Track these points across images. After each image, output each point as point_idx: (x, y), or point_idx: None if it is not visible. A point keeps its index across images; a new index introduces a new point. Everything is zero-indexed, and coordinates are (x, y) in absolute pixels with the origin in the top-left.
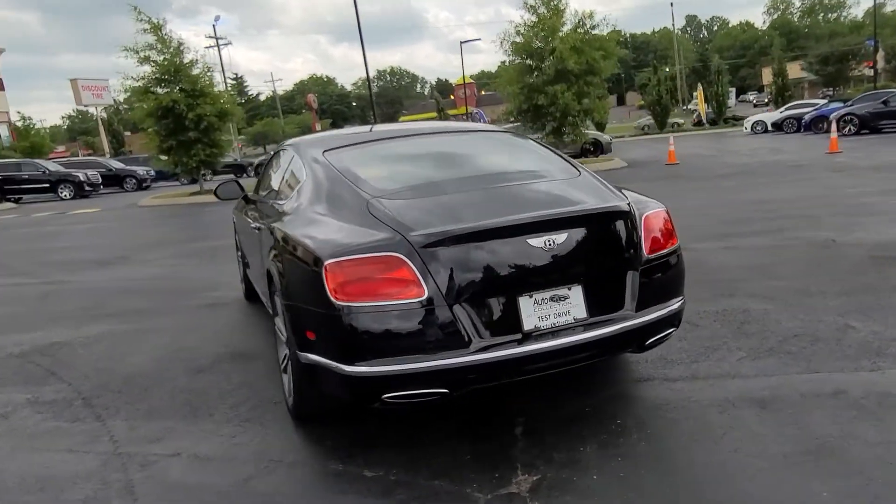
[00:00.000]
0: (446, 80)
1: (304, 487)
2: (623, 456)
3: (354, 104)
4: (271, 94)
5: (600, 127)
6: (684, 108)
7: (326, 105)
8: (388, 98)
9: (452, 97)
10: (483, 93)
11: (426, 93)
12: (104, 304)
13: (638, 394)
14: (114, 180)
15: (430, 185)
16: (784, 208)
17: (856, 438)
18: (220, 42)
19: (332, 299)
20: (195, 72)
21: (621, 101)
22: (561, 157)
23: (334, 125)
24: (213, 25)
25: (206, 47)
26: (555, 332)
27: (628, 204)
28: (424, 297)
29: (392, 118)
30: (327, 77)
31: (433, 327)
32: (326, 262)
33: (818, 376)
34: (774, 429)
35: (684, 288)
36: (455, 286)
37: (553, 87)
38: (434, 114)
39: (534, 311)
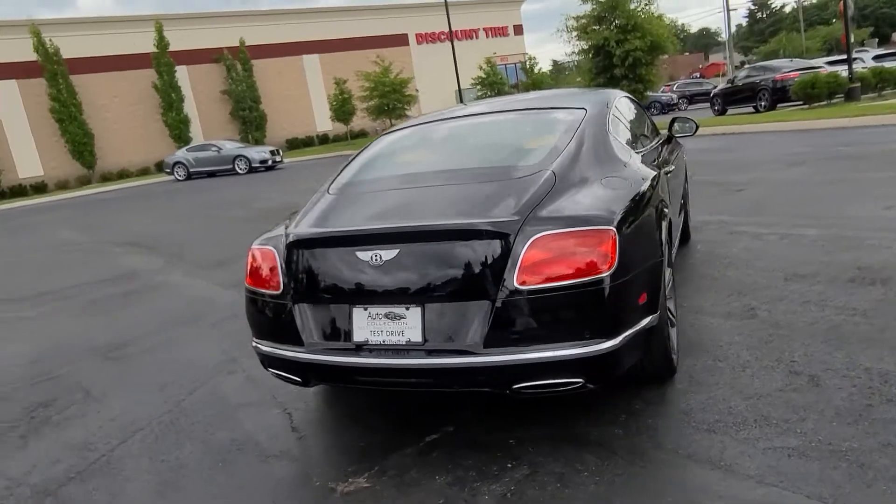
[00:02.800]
0: None
1: (246, 431)
2: (454, 499)
3: None
4: (795, 5)
5: None
6: None
7: (869, 9)
8: None
9: None
10: None
11: None
12: None
13: (591, 447)
14: None
15: (367, 182)
16: None
17: None
18: None
19: (245, 280)
20: (632, 6)
21: None
22: (561, 148)
23: (877, 35)
24: None
25: None
26: (386, 350)
27: (506, 223)
28: (278, 291)
29: None
30: None
31: (280, 320)
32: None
33: None
34: None
35: (608, 332)
36: (299, 287)
37: None
38: None
39: (367, 324)
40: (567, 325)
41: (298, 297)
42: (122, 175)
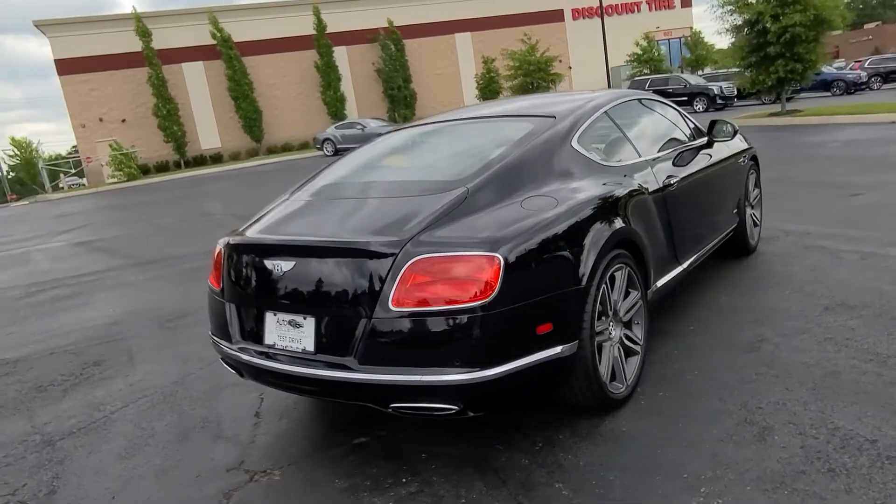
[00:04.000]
0: None
1: (218, 411)
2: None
3: None
4: None
5: None
6: None
7: None
8: None
9: None
10: None
11: None
12: None
13: (488, 473)
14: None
15: (318, 189)
16: None
17: None
18: None
19: None
20: None
21: None
22: (492, 164)
23: None
24: None
25: None
26: (287, 356)
27: (389, 243)
28: (218, 289)
29: None
30: None
31: (220, 316)
32: None
33: None
34: None
35: (485, 361)
36: (228, 287)
37: None
38: None
39: (275, 328)
40: (441, 351)
41: (229, 296)
42: (286, 148)
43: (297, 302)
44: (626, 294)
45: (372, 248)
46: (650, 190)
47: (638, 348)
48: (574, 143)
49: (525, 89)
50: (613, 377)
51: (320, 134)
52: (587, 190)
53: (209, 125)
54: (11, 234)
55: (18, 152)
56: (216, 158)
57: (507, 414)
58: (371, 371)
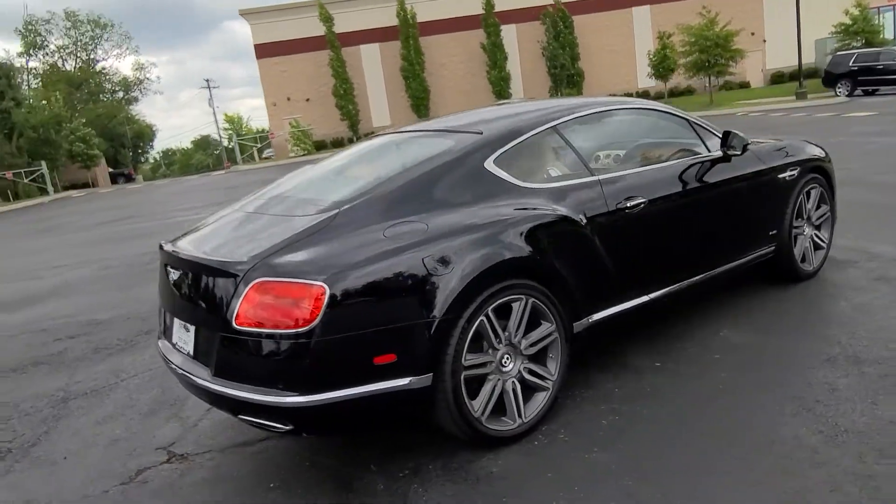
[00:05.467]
0: None
1: None
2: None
3: None
4: None
5: None
6: None
7: None
8: None
9: None
10: None
11: None
12: None
13: (340, 490)
14: None
15: (259, 200)
16: None
17: None
18: None
19: None
20: None
21: None
22: (378, 186)
23: None
24: None
25: None
26: (181, 357)
27: (236, 263)
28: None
29: None
30: None
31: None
32: None
33: None
34: None
35: (309, 387)
36: (159, 286)
37: None
38: None
39: (177, 330)
40: (269, 372)
41: (160, 298)
42: None
43: (185, 310)
44: (534, 326)
45: (225, 268)
46: (591, 214)
47: (548, 384)
48: (489, 164)
49: (700, 67)
50: (502, 412)
51: None
52: (476, 216)
53: (381, 104)
54: (183, 203)
55: (230, 126)
56: None
57: (412, 433)
58: (219, 383)
